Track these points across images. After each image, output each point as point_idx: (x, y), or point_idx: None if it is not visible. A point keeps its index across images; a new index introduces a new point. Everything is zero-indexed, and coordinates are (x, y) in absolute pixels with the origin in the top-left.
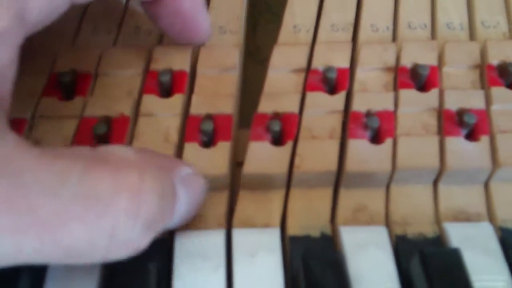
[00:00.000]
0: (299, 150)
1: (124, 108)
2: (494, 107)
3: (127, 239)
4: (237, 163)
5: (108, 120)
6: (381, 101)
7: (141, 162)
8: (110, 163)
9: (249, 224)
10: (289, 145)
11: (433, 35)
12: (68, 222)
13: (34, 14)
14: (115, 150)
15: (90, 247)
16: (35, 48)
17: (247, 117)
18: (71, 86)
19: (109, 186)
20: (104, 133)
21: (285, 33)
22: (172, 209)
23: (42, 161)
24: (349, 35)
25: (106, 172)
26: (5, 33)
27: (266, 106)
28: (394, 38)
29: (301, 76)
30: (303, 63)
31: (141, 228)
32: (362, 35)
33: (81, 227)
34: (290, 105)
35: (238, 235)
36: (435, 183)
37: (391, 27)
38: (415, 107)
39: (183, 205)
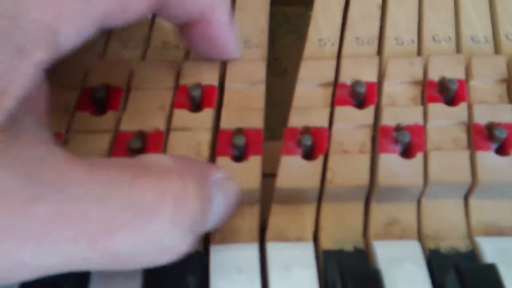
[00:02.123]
0: (331, 164)
1: (158, 122)
2: None
3: (172, 244)
4: (263, 174)
5: (142, 135)
6: (410, 115)
7: (181, 170)
8: (154, 172)
9: (282, 238)
10: (320, 159)
11: (458, 48)
12: (117, 230)
13: (65, 45)
14: (156, 158)
15: (137, 254)
16: (66, 63)
17: (269, 128)
18: (103, 100)
19: (154, 194)
20: (139, 147)
21: (310, 46)
22: (209, 213)
23: (90, 173)
24: (374, 49)
25: (151, 181)
26: (41, 64)
27: (296, 120)
28: (419, 51)
29: (329, 90)
30: (330, 77)
31: (185, 234)
32: (387, 48)
33: (129, 235)
34: (319, 119)
35: (272, 249)
36: (466, 197)
37: (415, 40)
38: (444, 121)
39: (218, 208)
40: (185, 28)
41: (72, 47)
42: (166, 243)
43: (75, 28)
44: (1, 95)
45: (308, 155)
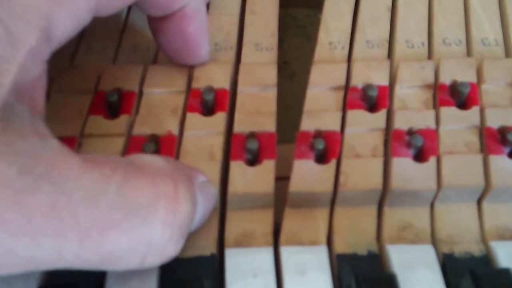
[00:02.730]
0: (343, 168)
1: (171, 126)
2: None
3: (162, 247)
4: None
5: (156, 139)
6: (422, 119)
7: (172, 172)
8: (147, 172)
9: (296, 241)
10: (333, 163)
11: (469, 51)
12: (107, 229)
13: (60, 31)
14: (148, 159)
15: (127, 255)
16: (79, 68)
17: (279, 131)
18: (116, 104)
19: (147, 195)
20: (153, 151)
21: (321, 50)
22: (195, 216)
23: (84, 168)
24: (384, 52)
25: (144, 181)
26: (35, 52)
27: (308, 124)
28: (430, 54)
29: (340, 93)
30: (342, 80)
31: (176, 236)
32: (398, 51)
33: (120, 235)
34: (331, 123)
35: (286, 252)
36: (479, 201)
37: (426, 43)
38: (456, 125)
39: (200, 212)
40: (159, 20)
41: (68, 33)
42: (157, 246)
43: (69, 12)
44: None
45: (321, 159)
